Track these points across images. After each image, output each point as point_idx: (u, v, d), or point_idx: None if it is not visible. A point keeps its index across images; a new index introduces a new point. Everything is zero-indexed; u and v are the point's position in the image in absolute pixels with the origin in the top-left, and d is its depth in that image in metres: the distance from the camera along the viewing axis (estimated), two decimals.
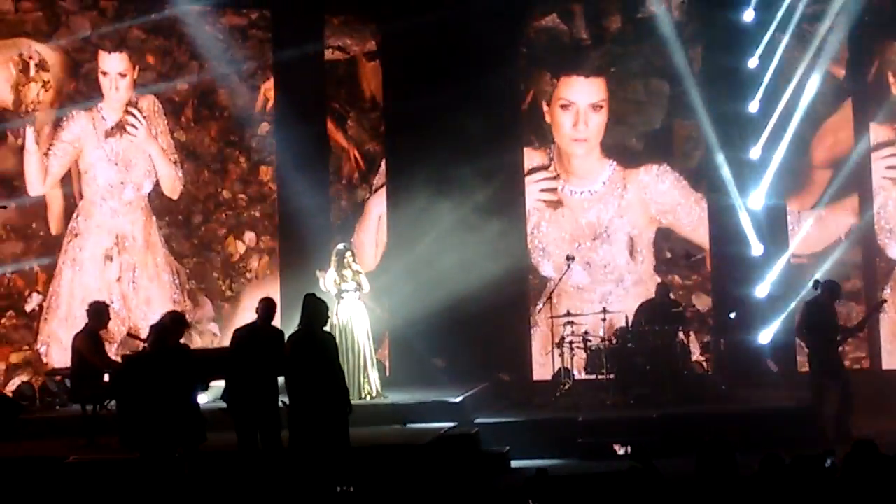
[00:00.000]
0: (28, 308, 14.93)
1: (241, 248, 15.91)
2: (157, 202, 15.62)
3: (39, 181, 15.06)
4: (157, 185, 15.63)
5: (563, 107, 16.38)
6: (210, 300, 15.80)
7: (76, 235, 15.21)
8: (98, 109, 15.39)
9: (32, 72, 15.01)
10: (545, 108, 16.40)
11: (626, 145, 16.27)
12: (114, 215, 15.38)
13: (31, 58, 15.01)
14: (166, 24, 15.61)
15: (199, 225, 15.86)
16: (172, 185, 15.71)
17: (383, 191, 16.27)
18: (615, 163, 16.30)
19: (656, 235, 16.21)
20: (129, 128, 15.45)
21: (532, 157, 16.39)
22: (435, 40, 15.29)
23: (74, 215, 15.22)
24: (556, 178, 16.38)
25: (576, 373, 14.62)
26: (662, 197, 16.23)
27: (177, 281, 15.59)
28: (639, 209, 16.25)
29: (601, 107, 16.32)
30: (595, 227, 16.31)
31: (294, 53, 15.36)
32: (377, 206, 16.34)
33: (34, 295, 15.00)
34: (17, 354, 14.75)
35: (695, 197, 16.10)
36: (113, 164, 15.37)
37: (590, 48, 16.34)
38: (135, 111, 15.50)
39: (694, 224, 16.10)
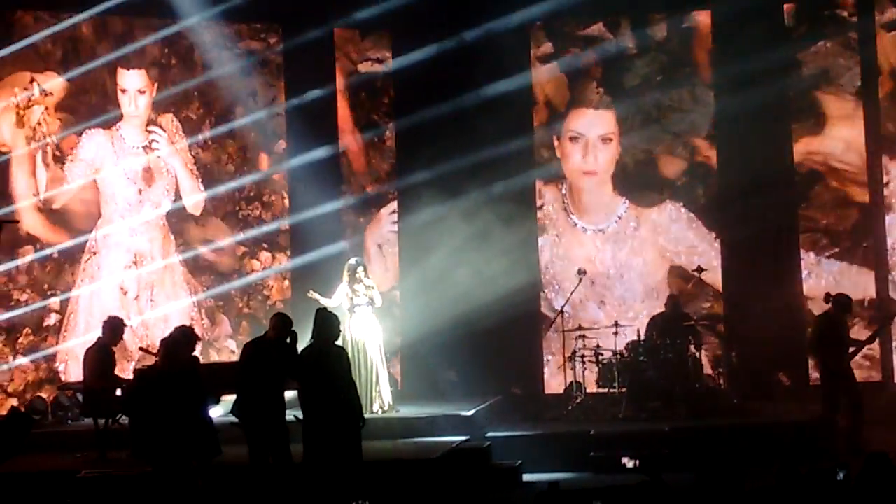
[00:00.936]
0: (46, 325, 14.71)
1: (258, 265, 15.69)
2: (176, 220, 15.42)
3: (52, 197, 14.85)
4: (175, 203, 15.39)
5: (573, 139, 16.20)
6: (227, 318, 15.56)
7: (94, 253, 14.99)
8: (117, 128, 15.17)
9: (37, 93, 14.78)
10: (556, 141, 16.21)
11: (674, 154, 15.99)
12: (132, 234, 15.15)
13: (32, 80, 14.78)
14: (184, 46, 15.41)
15: (216, 242, 15.61)
16: (196, 200, 15.52)
17: (383, 217, 16.15)
18: (627, 201, 16.09)
19: (669, 274, 15.95)
20: (152, 144, 15.21)
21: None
22: (449, 55, 15.15)
23: (93, 232, 14.99)
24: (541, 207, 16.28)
25: (588, 387, 14.43)
26: (675, 236, 15.97)
27: (194, 299, 15.38)
28: (652, 248, 16.01)
29: (610, 139, 16.11)
30: (608, 265, 16.07)
31: (305, 70, 15.31)
32: (373, 236, 16.19)
33: (52, 313, 14.78)
34: (35, 372, 14.54)
35: (709, 237, 15.85)
36: (132, 182, 15.15)
37: (636, 57, 16.12)
38: (156, 129, 15.28)
39: (707, 264, 15.63)
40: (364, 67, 16.26)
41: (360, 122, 16.22)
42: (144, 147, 15.27)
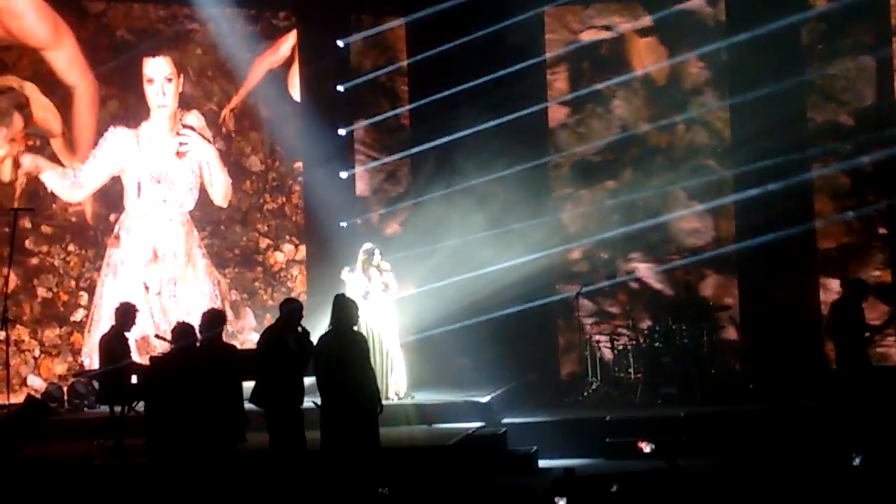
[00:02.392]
0: (73, 319, 14.45)
1: (282, 257, 15.41)
2: (200, 213, 15.17)
3: (71, 194, 14.55)
4: (200, 198, 15.08)
5: None
6: (252, 310, 15.32)
7: (118, 249, 14.72)
8: (140, 127, 14.84)
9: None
10: None
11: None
12: (155, 230, 14.88)
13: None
14: (201, 34, 15.10)
15: (241, 235, 15.39)
16: (225, 192, 15.27)
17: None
18: None
19: None
20: (182, 147, 14.94)
21: None
22: (462, 36, 14.75)
23: (116, 228, 14.76)
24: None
25: (603, 372, 14.28)
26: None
27: (217, 292, 15.09)
28: None
29: None
30: None
31: (320, 54, 15.03)
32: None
33: (79, 308, 14.53)
34: (62, 365, 14.30)
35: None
36: (156, 182, 14.86)
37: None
38: (186, 131, 15.00)
39: None
40: None
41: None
42: (179, 144, 14.96)
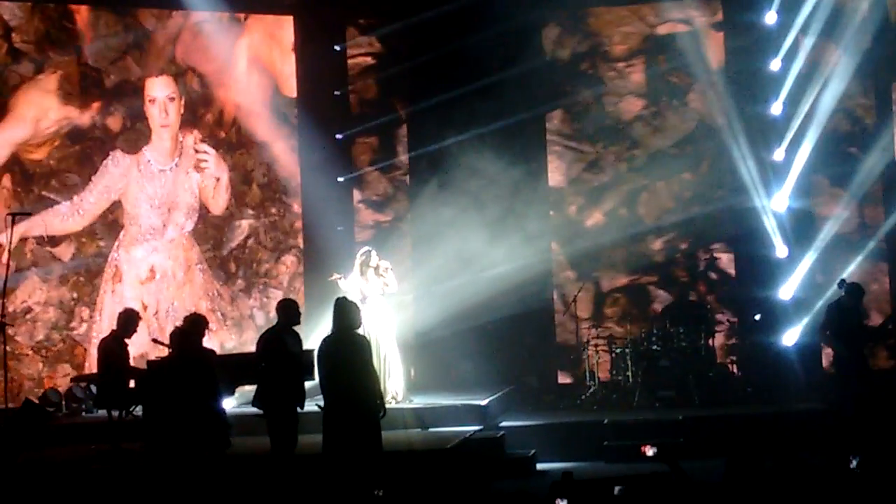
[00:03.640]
0: (75, 334, 14.50)
1: (284, 269, 15.42)
2: (203, 227, 15.16)
3: (68, 225, 14.65)
4: (202, 213, 15.13)
5: None
6: (254, 323, 15.27)
7: (116, 268, 14.77)
8: (142, 152, 14.90)
9: None
10: None
11: None
12: (154, 252, 14.92)
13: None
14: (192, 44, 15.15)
15: (242, 248, 15.38)
16: (226, 204, 15.37)
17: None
18: None
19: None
20: (201, 164, 15.03)
21: None
22: (457, 37, 14.87)
23: (115, 245, 14.77)
24: None
25: (601, 376, 14.29)
26: None
27: (215, 308, 15.06)
28: None
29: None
30: None
31: (317, 60, 15.11)
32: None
33: (82, 323, 14.59)
34: (64, 379, 14.23)
35: None
36: (156, 208, 14.90)
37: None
38: (204, 146, 15.05)
39: None
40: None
41: None
42: (198, 161, 15.01)
